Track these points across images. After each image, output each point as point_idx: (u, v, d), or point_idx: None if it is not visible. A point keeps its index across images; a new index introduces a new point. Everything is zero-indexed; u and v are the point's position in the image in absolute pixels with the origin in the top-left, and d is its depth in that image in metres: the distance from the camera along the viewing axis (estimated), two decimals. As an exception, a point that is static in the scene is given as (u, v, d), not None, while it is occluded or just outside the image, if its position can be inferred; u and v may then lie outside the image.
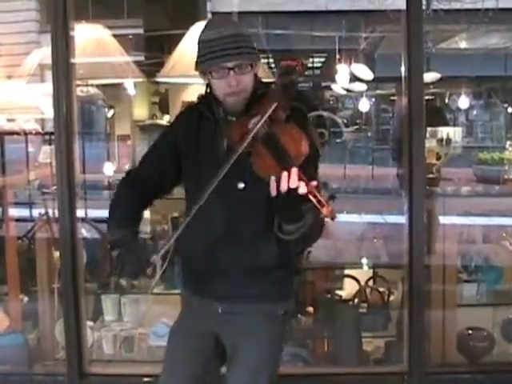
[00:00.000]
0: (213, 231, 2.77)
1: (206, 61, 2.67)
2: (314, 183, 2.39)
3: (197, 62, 2.73)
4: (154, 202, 3.09)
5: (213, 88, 2.76)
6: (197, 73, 2.79)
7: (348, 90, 10.57)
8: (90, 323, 4.84)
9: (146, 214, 6.31)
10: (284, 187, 2.40)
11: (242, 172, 2.65)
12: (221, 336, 2.89)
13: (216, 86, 2.73)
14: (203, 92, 2.88)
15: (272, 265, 2.77)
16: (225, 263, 2.78)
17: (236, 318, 2.82)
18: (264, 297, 2.82)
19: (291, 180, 2.39)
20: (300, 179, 2.39)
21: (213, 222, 2.76)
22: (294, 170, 2.40)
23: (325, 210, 2.35)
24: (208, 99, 2.82)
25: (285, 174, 2.40)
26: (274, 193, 2.43)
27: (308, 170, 2.47)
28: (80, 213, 4.56)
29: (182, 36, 5.07)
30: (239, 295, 2.80)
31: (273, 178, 2.43)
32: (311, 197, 2.38)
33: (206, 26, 2.76)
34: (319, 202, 2.37)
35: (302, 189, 2.37)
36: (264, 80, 2.89)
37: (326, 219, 2.42)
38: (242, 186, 2.71)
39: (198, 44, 2.73)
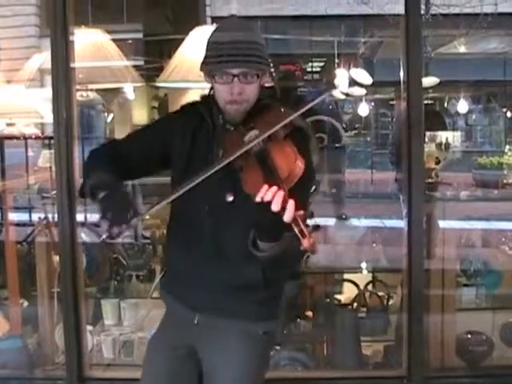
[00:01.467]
0: (199, 242, 2.68)
1: (211, 63, 2.58)
2: (300, 212, 2.26)
3: (203, 62, 2.64)
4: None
5: (215, 93, 2.66)
6: (196, 78, 2.73)
7: (347, 95, 10.57)
8: (89, 327, 4.84)
9: (145, 218, 6.34)
10: (267, 199, 2.28)
11: (233, 185, 2.56)
12: (197, 350, 2.80)
13: (218, 91, 2.63)
14: (206, 92, 2.79)
15: (255, 284, 2.66)
16: (207, 275, 2.68)
17: (212, 333, 2.73)
18: (242, 314, 2.70)
19: (274, 202, 2.26)
20: (284, 204, 2.26)
21: (200, 232, 2.68)
22: (280, 193, 2.27)
23: (305, 242, 2.22)
24: (209, 103, 2.72)
25: (269, 191, 2.28)
26: (258, 199, 2.30)
27: (299, 195, 2.34)
28: (80, 217, 4.56)
29: (181, 41, 5.08)
30: (217, 308, 2.70)
31: (259, 195, 2.30)
32: (293, 225, 2.25)
33: (219, 26, 2.68)
34: (301, 231, 2.24)
35: (286, 216, 2.25)
36: (267, 85, 2.79)
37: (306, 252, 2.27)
38: (230, 198, 2.60)
39: (208, 43, 2.63)
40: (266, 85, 2.77)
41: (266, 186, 2.30)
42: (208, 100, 2.75)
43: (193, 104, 2.86)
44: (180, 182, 2.54)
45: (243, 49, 2.54)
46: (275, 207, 2.26)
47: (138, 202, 2.58)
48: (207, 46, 2.63)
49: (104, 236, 2.40)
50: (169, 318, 2.92)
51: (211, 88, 2.72)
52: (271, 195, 2.28)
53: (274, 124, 2.53)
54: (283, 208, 2.26)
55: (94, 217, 5.40)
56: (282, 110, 2.68)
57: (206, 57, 2.62)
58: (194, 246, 2.71)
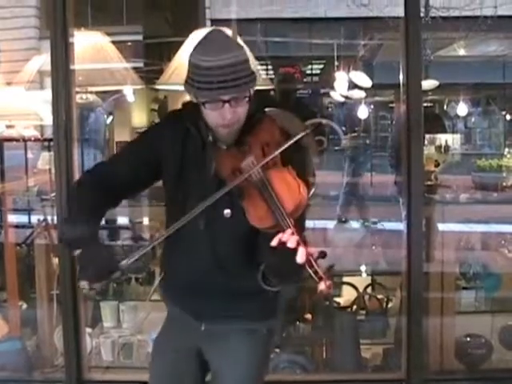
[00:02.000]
0: (198, 255, 2.68)
1: (200, 89, 2.45)
2: (313, 253, 2.27)
3: (187, 82, 2.52)
4: (115, 204, 2.85)
5: (204, 114, 2.55)
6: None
7: (346, 97, 10.56)
8: (88, 330, 4.84)
9: (145, 220, 6.34)
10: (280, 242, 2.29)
11: (231, 200, 2.53)
12: (204, 351, 2.83)
13: (208, 116, 2.53)
14: (189, 101, 2.67)
15: (256, 289, 2.62)
16: (208, 286, 2.69)
17: (219, 337, 2.77)
18: (246, 316, 2.74)
19: (289, 243, 2.27)
20: (298, 244, 2.26)
21: (198, 246, 2.67)
22: (293, 237, 2.27)
23: (322, 286, 2.24)
24: (195, 117, 2.62)
25: (282, 235, 2.28)
26: (274, 244, 2.31)
27: (301, 221, 2.39)
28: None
29: (181, 43, 5.07)
30: (221, 315, 2.73)
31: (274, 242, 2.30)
32: (307, 267, 2.25)
33: (202, 46, 2.51)
34: (316, 272, 2.25)
35: (300, 256, 2.25)
36: (258, 88, 2.71)
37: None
38: (228, 213, 2.59)
39: (192, 66, 2.49)
40: (266, 87, 2.75)
41: (280, 235, 2.30)
42: (193, 112, 2.64)
43: (177, 113, 2.80)
44: (175, 196, 2.62)
45: (232, 73, 2.42)
46: (292, 245, 2.26)
47: (115, 254, 2.62)
48: (191, 68, 2.50)
49: (85, 290, 2.43)
50: (173, 322, 2.94)
51: (194, 106, 2.61)
52: (286, 240, 2.29)
53: (268, 143, 2.51)
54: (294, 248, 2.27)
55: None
56: (273, 120, 2.65)
57: (191, 79, 2.49)
58: (192, 258, 2.71)
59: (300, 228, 2.36)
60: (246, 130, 2.58)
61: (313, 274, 2.25)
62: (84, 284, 2.42)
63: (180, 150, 2.67)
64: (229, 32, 4.72)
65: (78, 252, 2.47)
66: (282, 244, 2.28)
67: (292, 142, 2.49)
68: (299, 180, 2.44)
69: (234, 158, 2.52)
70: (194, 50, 2.52)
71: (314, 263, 2.25)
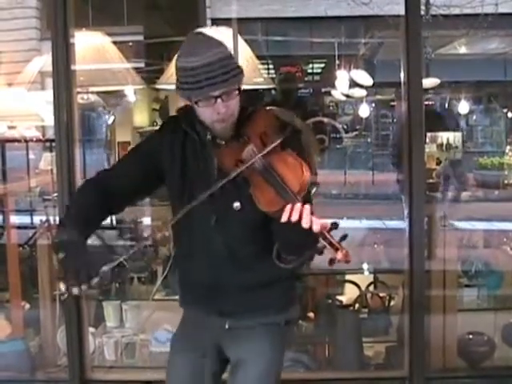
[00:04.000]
0: (211, 250, 2.72)
1: (191, 89, 2.52)
2: (327, 225, 2.30)
3: (178, 87, 2.58)
4: (116, 212, 2.97)
5: (198, 114, 2.62)
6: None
7: (348, 96, 10.56)
8: (91, 329, 4.86)
9: (147, 220, 6.34)
10: (294, 219, 2.31)
11: (239, 192, 2.59)
12: (224, 348, 2.86)
13: (202, 113, 2.60)
14: (183, 105, 2.76)
15: (272, 280, 2.73)
16: (225, 281, 2.73)
17: (242, 332, 2.79)
18: (267, 308, 2.78)
19: (304, 220, 2.30)
20: (311, 218, 2.29)
21: (210, 243, 2.71)
22: (307, 209, 2.31)
23: (339, 255, 2.26)
24: (190, 118, 2.69)
25: (294, 211, 2.31)
26: (284, 219, 2.33)
27: (308, 200, 2.41)
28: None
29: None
30: (244, 310, 2.76)
31: (284, 216, 2.33)
32: (321, 239, 2.29)
33: (185, 50, 2.57)
34: (331, 244, 2.28)
35: (316, 226, 2.28)
36: (260, 87, 2.76)
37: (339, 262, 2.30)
38: (237, 206, 2.63)
39: (179, 70, 2.56)
40: (266, 86, 2.78)
41: (289, 206, 2.33)
42: (188, 115, 2.71)
43: (173, 119, 2.85)
44: (180, 200, 2.62)
45: (218, 68, 2.49)
46: (306, 224, 2.28)
47: (100, 260, 2.58)
48: (179, 72, 2.57)
49: (64, 296, 2.42)
50: (191, 323, 2.94)
51: (189, 108, 2.68)
52: (298, 214, 2.31)
53: (265, 131, 2.56)
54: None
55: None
56: (267, 109, 2.72)
57: (181, 83, 2.56)
58: (206, 256, 2.74)
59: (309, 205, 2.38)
60: (241, 124, 2.65)
61: (328, 245, 2.28)
62: (61, 287, 2.41)
63: (180, 152, 2.73)
64: (229, 31, 4.74)
65: (61, 255, 2.47)
66: (297, 216, 2.30)
67: (291, 128, 2.57)
68: (300, 159, 2.48)
69: (235, 151, 2.57)
70: (178, 55, 2.58)
71: (327, 234, 2.28)
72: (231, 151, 2.59)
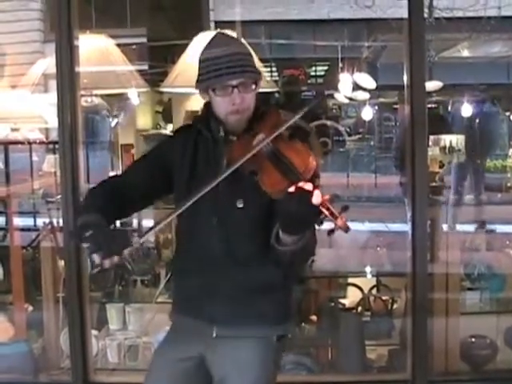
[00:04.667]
0: (210, 251, 2.72)
1: (210, 78, 2.64)
2: (327, 196, 2.33)
3: (198, 80, 2.70)
4: (123, 217, 3.00)
5: (214, 106, 2.72)
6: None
7: (351, 99, 10.56)
8: (94, 332, 4.85)
9: (150, 223, 6.34)
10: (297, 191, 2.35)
11: (242, 191, 2.63)
12: (208, 362, 2.80)
13: (218, 103, 2.69)
14: (199, 113, 2.88)
15: (269, 285, 2.72)
16: (223, 285, 2.72)
17: (227, 342, 2.74)
18: (259, 319, 2.74)
19: (306, 186, 2.33)
20: (313, 188, 2.34)
21: (210, 242, 2.72)
22: (310, 184, 2.35)
23: (339, 222, 2.31)
24: (206, 118, 2.78)
25: (300, 183, 2.36)
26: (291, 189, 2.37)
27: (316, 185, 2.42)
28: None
29: (185, 46, 5.10)
30: (237, 316, 2.73)
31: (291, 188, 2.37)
32: (323, 209, 2.32)
33: (209, 44, 2.73)
34: (332, 214, 2.32)
35: (316, 197, 2.30)
36: (263, 90, 2.83)
37: (340, 231, 2.34)
38: (241, 204, 2.66)
39: (201, 62, 2.70)
40: (269, 89, 2.83)
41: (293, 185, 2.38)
42: (203, 114, 2.81)
43: (186, 126, 2.97)
44: (183, 198, 2.59)
45: (238, 60, 2.64)
46: (316, 198, 2.31)
47: (128, 234, 2.58)
48: (201, 64, 2.70)
49: (95, 270, 2.43)
50: (178, 332, 2.91)
51: (205, 105, 2.80)
52: (301, 188, 2.35)
53: (276, 125, 2.60)
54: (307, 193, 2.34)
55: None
56: (281, 112, 2.76)
57: (201, 74, 2.69)
58: (206, 258, 2.74)
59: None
60: (253, 121, 2.71)
61: (329, 216, 2.33)
62: (95, 258, 2.42)
63: (192, 153, 2.78)
64: (233, 34, 4.75)
65: (88, 233, 2.46)
66: (299, 188, 2.34)
67: (300, 115, 2.63)
68: (308, 148, 2.56)
69: (245, 144, 2.62)
70: (201, 51, 2.73)
71: (328, 205, 2.33)
72: (242, 145, 2.63)
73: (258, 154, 2.54)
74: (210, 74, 2.63)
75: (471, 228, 6.10)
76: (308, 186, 2.34)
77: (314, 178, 2.47)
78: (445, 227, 5.14)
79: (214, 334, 2.76)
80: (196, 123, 2.83)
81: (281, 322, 2.83)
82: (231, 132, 2.71)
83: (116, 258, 2.42)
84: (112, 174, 6.98)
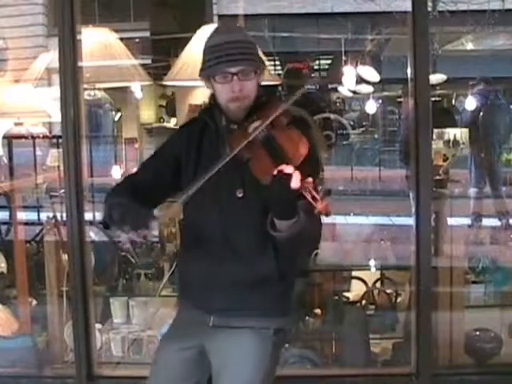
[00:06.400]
0: (210, 242, 2.74)
1: (211, 66, 2.67)
2: (310, 180, 2.35)
3: (201, 69, 2.73)
4: None
5: (216, 94, 2.75)
6: (203, 76, 2.77)
7: (354, 92, 10.56)
8: (98, 326, 4.86)
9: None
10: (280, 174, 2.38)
11: (241, 180, 2.65)
12: (207, 351, 2.82)
13: (219, 91, 2.71)
14: (206, 105, 2.88)
15: (269, 277, 2.72)
16: (222, 275, 2.73)
17: (225, 333, 2.75)
18: (257, 311, 2.74)
19: (286, 169, 2.36)
20: (294, 171, 2.36)
21: (212, 234, 2.73)
22: (291, 167, 2.38)
23: (319, 205, 2.32)
24: (210, 109, 2.81)
25: (281, 169, 2.38)
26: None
27: (305, 172, 2.42)
28: (88, 216, 4.57)
29: (188, 39, 5.08)
30: (232, 308, 2.74)
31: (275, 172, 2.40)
32: (305, 193, 2.35)
33: (212, 33, 2.77)
34: (313, 198, 2.34)
35: (295, 181, 2.33)
36: (266, 83, 2.85)
37: (321, 216, 2.37)
38: (240, 194, 2.68)
39: (205, 51, 2.73)
40: (272, 83, 2.83)
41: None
42: (208, 107, 2.83)
43: (192, 119, 2.98)
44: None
45: (239, 48, 2.66)
46: (295, 182, 2.33)
47: (152, 210, 2.67)
48: (204, 52, 2.74)
49: (127, 245, 2.50)
50: (181, 321, 2.95)
51: (210, 96, 2.82)
52: (283, 169, 2.37)
53: (275, 111, 2.62)
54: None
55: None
56: (282, 101, 2.78)
57: (203, 62, 2.73)
58: (206, 248, 2.76)
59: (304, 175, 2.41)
60: (254, 110, 2.72)
61: (311, 200, 2.35)
62: (125, 237, 2.51)
63: (197, 144, 2.81)
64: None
65: (116, 213, 2.57)
66: (280, 172, 2.37)
67: (293, 99, 2.66)
68: (301, 135, 2.58)
69: (244, 130, 2.65)
70: (205, 41, 2.76)
71: (311, 189, 2.36)
72: (241, 133, 2.66)
73: (253, 142, 2.57)
74: (210, 62, 2.67)
75: (494, 222, 6.09)
76: (288, 170, 2.36)
77: (305, 166, 2.47)
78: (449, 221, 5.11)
79: (211, 323, 2.78)
80: (201, 114, 2.86)
81: (278, 316, 2.81)
82: (233, 121, 2.74)
83: (143, 230, 2.49)
84: (115, 167, 6.99)
